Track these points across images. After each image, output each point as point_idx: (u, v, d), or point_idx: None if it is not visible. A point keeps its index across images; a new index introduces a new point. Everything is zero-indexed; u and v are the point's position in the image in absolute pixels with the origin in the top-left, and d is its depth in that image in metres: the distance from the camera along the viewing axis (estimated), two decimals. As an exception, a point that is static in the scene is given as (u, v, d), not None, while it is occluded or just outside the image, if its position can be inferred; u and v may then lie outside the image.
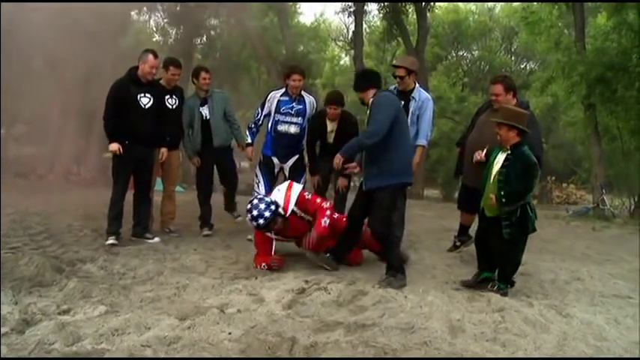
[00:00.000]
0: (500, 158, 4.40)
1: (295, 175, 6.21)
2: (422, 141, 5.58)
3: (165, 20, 20.47)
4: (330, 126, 6.16)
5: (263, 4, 20.33)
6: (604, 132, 14.68)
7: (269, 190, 5.93)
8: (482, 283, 4.54)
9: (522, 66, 30.94)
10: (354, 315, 3.72)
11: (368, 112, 4.76)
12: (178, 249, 5.71)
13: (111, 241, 5.72)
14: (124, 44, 18.01)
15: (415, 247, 6.19)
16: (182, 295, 4.07)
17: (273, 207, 4.82)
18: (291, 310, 3.77)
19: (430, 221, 8.38)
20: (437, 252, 6.18)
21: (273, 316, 3.59)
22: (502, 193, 4.29)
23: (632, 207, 13.62)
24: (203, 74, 6.54)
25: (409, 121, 5.31)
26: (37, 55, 14.38)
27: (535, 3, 20.45)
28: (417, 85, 5.77)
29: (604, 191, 12.99)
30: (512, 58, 30.84)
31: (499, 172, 4.34)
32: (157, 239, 6.03)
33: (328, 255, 5.00)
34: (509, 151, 4.34)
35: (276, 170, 6.33)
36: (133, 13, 18.83)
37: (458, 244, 6.07)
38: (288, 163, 6.27)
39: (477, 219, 4.97)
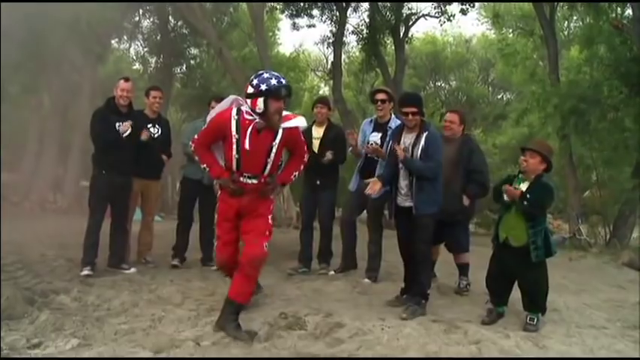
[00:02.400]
0: (522, 187, 4.47)
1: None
2: None
3: (146, 49, 20.55)
4: (317, 132, 6.26)
5: (243, 34, 20.59)
6: (579, 162, 14.95)
7: None
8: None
9: (499, 97, 31.48)
10: (331, 347, 3.69)
11: (421, 140, 4.75)
12: (155, 280, 5.63)
13: (86, 271, 5.63)
14: (103, 72, 18.01)
15: (393, 279, 6.18)
16: (157, 328, 4.00)
17: None
18: (267, 342, 3.73)
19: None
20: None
21: (249, 350, 3.55)
22: (527, 220, 4.38)
23: (608, 237, 13.81)
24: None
25: (386, 150, 5.22)
26: (14, 80, 14.26)
27: (510, 35, 21.06)
28: (393, 115, 5.94)
29: (580, 221, 13.17)
30: (490, 88, 31.38)
31: (523, 202, 4.40)
32: (133, 270, 5.96)
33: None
34: (531, 181, 4.46)
35: None
36: (113, 41, 18.86)
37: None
38: None
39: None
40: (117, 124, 5.83)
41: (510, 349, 3.79)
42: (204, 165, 4.11)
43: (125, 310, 4.45)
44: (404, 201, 4.86)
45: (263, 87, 3.79)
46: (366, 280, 5.98)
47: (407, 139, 4.85)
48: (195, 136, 4.20)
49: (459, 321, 4.45)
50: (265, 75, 3.89)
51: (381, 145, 5.59)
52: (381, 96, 5.93)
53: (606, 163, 13.88)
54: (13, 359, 2.85)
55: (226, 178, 4.01)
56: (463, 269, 5.89)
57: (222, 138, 3.97)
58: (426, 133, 4.74)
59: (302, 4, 17.15)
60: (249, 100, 3.87)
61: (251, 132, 3.86)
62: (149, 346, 3.52)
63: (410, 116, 4.76)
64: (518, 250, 4.46)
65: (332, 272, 6.37)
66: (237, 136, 3.87)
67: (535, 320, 4.43)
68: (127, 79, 6.08)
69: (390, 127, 5.66)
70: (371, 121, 6.09)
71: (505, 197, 4.54)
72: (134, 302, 4.65)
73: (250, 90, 3.85)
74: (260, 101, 3.80)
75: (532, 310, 4.48)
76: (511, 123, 22.53)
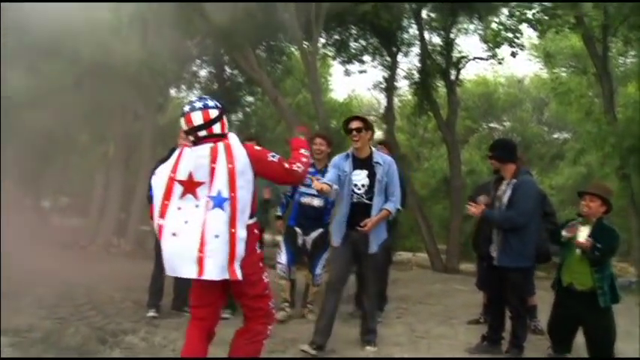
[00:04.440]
0: (584, 231, 4.48)
1: (317, 250, 6.10)
2: (391, 206, 4.89)
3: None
4: (503, 186, 5.71)
5: (296, 81, 21.15)
6: (641, 203, 14.48)
7: (292, 259, 6.15)
8: None
9: (555, 136, 30.97)
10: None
11: (509, 187, 4.78)
12: (216, 321, 5.80)
13: (151, 313, 5.88)
14: (162, 120, 18.83)
15: (451, 322, 6.17)
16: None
17: None
18: None
19: (466, 295, 8.30)
20: (473, 327, 6.14)
21: None
22: (593, 264, 4.38)
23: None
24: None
25: (376, 189, 4.87)
26: (84, 130, 15.13)
27: (563, 74, 20.85)
28: (374, 149, 5.17)
29: (644, 264, 12.70)
30: (545, 128, 30.95)
31: (594, 252, 4.37)
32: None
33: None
34: (593, 225, 4.46)
35: (299, 241, 6.14)
36: (171, 90, 19.70)
37: (482, 320, 6.07)
38: (310, 236, 6.09)
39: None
40: None
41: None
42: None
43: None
44: (494, 251, 4.85)
45: (219, 104, 3.49)
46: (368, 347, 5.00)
47: (503, 186, 4.89)
48: (299, 167, 3.52)
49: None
50: (205, 96, 3.58)
51: (371, 185, 4.86)
52: (355, 124, 4.91)
53: (669, 203, 13.40)
54: (13, 359, 3.05)
55: None
56: (532, 312, 5.86)
57: None
58: (514, 181, 4.75)
59: (353, 50, 17.60)
60: (217, 126, 3.42)
61: None
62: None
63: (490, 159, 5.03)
64: (583, 295, 4.42)
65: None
66: None
67: None
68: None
69: (377, 164, 4.90)
70: (347, 155, 5.01)
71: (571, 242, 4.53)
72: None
73: (215, 113, 3.40)
74: (225, 120, 3.50)
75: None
76: (568, 163, 22.09)
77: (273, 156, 3.44)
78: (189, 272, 3.14)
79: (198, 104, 3.43)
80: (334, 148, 6.24)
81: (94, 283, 8.04)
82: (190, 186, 3.25)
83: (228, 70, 19.61)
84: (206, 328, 3.48)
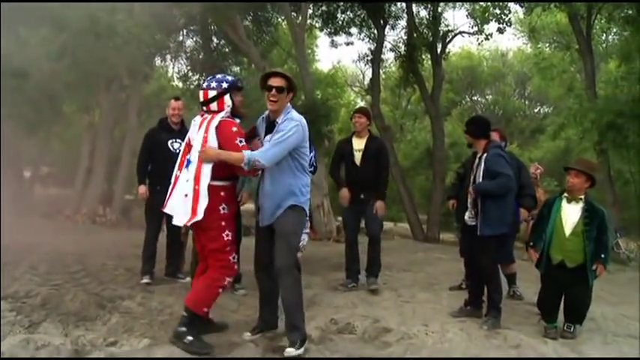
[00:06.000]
0: (571, 208, 4.62)
1: None
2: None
3: (188, 67, 21.25)
4: (357, 144, 6.01)
5: (282, 52, 21.09)
6: (617, 176, 14.89)
7: None
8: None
9: (536, 110, 31.35)
10: (380, 350, 4.00)
11: (481, 161, 4.96)
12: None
13: (145, 280, 6.03)
14: (147, 90, 18.72)
15: (434, 288, 6.44)
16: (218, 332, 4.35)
17: None
18: (320, 345, 4.05)
19: (447, 263, 8.60)
20: (455, 293, 6.40)
21: (305, 351, 3.86)
22: (589, 243, 4.52)
23: (648, 251, 13.70)
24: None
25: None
26: (69, 99, 15.02)
27: (546, 50, 21.07)
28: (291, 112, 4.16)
29: (619, 235, 13.10)
30: (526, 102, 31.30)
31: (583, 224, 4.55)
32: (188, 279, 6.24)
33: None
34: (583, 202, 4.59)
35: None
36: (156, 59, 19.53)
37: (463, 286, 6.30)
38: None
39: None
40: (169, 142, 6.16)
41: (548, 354, 4.03)
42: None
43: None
44: (470, 219, 5.06)
45: (225, 85, 4.01)
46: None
47: (477, 159, 5.10)
48: (247, 155, 3.77)
49: (498, 327, 4.70)
50: (218, 76, 4.14)
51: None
52: (276, 81, 4.00)
53: (645, 177, 13.86)
54: (13, 359, 3.22)
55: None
56: (512, 278, 6.18)
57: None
58: (485, 154, 4.95)
59: (341, 22, 17.60)
60: (214, 104, 4.00)
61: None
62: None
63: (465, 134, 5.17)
64: (573, 270, 4.59)
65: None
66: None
67: (572, 328, 4.62)
68: (177, 98, 6.50)
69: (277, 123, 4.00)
70: (263, 118, 4.20)
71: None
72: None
73: (213, 93, 3.99)
74: (227, 98, 4.00)
75: (573, 321, 4.65)
76: (548, 137, 22.45)
77: (241, 142, 3.88)
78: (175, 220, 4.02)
79: (205, 84, 4.09)
80: (320, 119, 6.15)
81: (85, 251, 8.17)
82: (188, 148, 4.06)
83: (215, 40, 19.47)
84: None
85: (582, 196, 4.64)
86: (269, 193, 4.01)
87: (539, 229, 4.82)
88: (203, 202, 3.80)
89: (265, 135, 4.05)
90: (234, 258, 4.02)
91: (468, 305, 5.21)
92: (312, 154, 4.95)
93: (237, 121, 4.02)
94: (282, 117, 3.98)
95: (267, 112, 4.13)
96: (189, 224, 3.94)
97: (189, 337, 3.82)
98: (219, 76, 4.14)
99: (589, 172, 4.62)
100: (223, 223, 3.94)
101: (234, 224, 4.06)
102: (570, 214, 4.62)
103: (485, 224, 4.85)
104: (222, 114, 3.95)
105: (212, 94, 3.99)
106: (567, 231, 4.60)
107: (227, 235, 3.94)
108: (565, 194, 4.70)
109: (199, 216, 3.80)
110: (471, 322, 4.87)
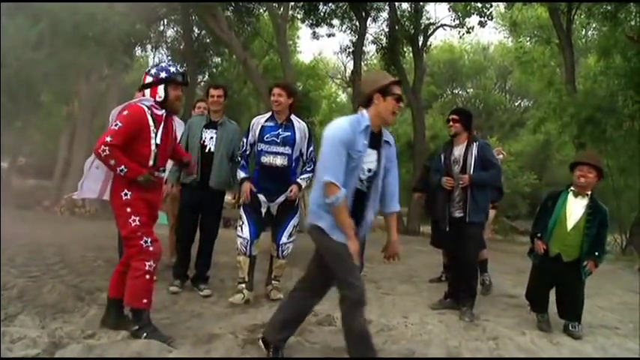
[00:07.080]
0: (577, 203, 4.62)
1: (284, 217, 5.18)
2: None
3: (169, 57, 21.06)
4: (457, 150, 5.21)
5: (264, 43, 20.99)
6: (595, 170, 15.06)
7: (255, 232, 5.09)
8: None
9: (517, 104, 31.62)
10: (359, 341, 4.00)
11: (469, 151, 5.07)
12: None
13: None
14: (127, 80, 18.51)
15: (414, 280, 6.48)
16: (197, 322, 4.34)
17: None
18: (300, 337, 4.05)
19: (427, 256, 8.67)
20: (435, 285, 6.46)
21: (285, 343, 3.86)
22: (587, 239, 4.54)
23: (624, 243, 13.95)
24: (212, 91, 5.64)
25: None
26: (47, 90, 14.75)
27: (527, 44, 21.24)
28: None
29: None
30: (507, 96, 31.54)
31: (586, 220, 4.56)
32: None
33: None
34: (588, 198, 4.60)
35: (263, 210, 5.14)
36: (137, 49, 19.31)
37: (443, 278, 6.42)
38: (276, 202, 5.13)
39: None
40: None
41: (526, 345, 4.09)
42: (122, 167, 3.74)
43: (166, 306, 4.78)
44: (456, 211, 5.13)
45: (163, 74, 3.91)
46: None
47: (456, 151, 5.17)
48: (109, 138, 3.70)
49: (477, 318, 4.75)
50: (163, 64, 4.07)
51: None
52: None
53: (622, 171, 14.06)
54: (13, 359, 3.19)
55: (147, 174, 3.81)
56: (483, 265, 6.20)
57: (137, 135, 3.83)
58: (476, 142, 5.08)
59: (322, 13, 17.55)
60: (148, 91, 3.94)
61: (164, 125, 3.92)
62: (190, 338, 3.86)
63: (451, 123, 5.17)
64: (568, 264, 4.61)
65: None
66: (155, 130, 3.86)
67: (577, 327, 4.60)
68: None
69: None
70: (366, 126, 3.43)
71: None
72: (173, 300, 5.01)
73: (149, 79, 3.94)
74: (160, 89, 3.90)
75: (572, 319, 4.65)
76: (528, 131, 22.66)
77: (116, 125, 3.76)
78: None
79: (149, 69, 4.07)
80: (302, 111, 6.03)
81: (64, 242, 8.08)
82: None
83: (196, 30, 19.30)
84: None
85: (589, 192, 4.63)
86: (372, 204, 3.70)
87: (542, 221, 4.79)
88: (107, 185, 4.08)
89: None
90: (146, 242, 3.82)
91: (448, 297, 5.26)
92: (310, 148, 5.21)
93: (162, 113, 3.90)
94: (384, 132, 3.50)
95: (365, 124, 3.32)
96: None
97: (145, 334, 3.81)
98: (163, 64, 4.09)
99: (601, 167, 4.63)
100: (129, 210, 3.83)
101: (144, 206, 3.89)
102: (575, 208, 4.61)
103: (473, 212, 4.97)
104: (142, 100, 3.89)
105: (148, 79, 3.94)
106: (569, 225, 4.61)
107: (134, 221, 3.82)
108: (572, 188, 4.67)
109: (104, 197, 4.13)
110: (451, 314, 4.93)
